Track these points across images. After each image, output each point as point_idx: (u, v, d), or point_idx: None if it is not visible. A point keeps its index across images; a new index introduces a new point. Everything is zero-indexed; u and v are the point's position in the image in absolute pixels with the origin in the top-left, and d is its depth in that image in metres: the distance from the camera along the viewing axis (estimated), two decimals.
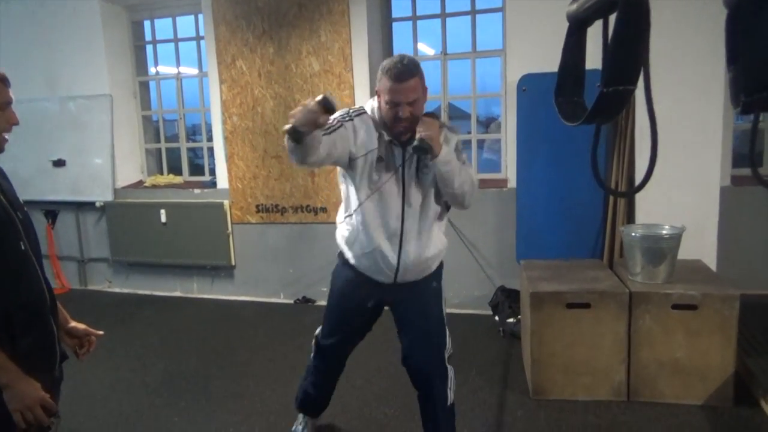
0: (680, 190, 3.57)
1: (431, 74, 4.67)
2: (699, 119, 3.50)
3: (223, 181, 4.87)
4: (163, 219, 4.97)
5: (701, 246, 3.49)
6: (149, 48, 5.34)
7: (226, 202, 4.83)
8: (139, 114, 5.35)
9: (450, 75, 4.51)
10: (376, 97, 2.13)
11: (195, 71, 5.12)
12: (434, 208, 2.18)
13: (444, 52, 4.48)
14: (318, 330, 2.57)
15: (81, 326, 1.73)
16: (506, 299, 4.06)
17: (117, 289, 5.29)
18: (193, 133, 7.40)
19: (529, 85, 3.90)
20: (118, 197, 5.14)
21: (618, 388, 2.94)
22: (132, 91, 5.30)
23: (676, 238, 2.97)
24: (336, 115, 2.01)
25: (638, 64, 1.16)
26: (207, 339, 4.05)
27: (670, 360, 2.87)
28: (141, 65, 5.35)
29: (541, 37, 3.95)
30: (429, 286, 2.30)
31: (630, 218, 3.79)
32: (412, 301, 2.28)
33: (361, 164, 2.09)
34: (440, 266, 2.35)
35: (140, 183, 5.32)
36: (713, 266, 3.41)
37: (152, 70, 5.40)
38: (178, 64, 5.18)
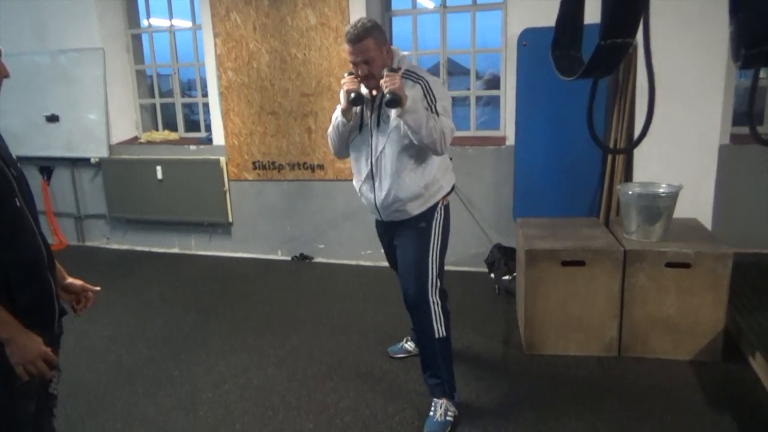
0: (679, 148, 3.55)
1: (430, 28, 4.61)
2: (700, 76, 3.45)
3: (219, 137, 4.82)
4: (160, 176, 4.95)
5: (697, 205, 3.49)
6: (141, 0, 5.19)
7: (223, 159, 4.80)
8: (133, 68, 5.25)
9: (449, 30, 4.41)
10: None
11: (188, 24, 5.00)
12: (400, 153, 2.36)
13: (444, 5, 4.37)
14: None
15: (78, 282, 1.74)
16: (502, 257, 4.08)
17: (115, 246, 5.32)
18: (188, 88, 7.29)
19: (530, 39, 3.83)
20: (113, 153, 5.10)
21: (609, 344, 3.00)
22: (124, 44, 5.19)
23: (672, 197, 2.97)
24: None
25: (637, 16, 1.12)
26: (205, 295, 4.10)
27: (662, 317, 2.91)
28: (133, 17, 5.22)
29: None
30: (416, 226, 2.48)
31: (627, 176, 3.78)
32: (400, 239, 2.54)
33: (355, 117, 2.44)
34: (432, 209, 2.49)
35: (135, 139, 5.28)
36: (708, 225, 3.42)
37: (144, 22, 5.27)
38: (170, 16, 5.05)
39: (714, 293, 2.83)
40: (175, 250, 5.17)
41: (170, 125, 5.43)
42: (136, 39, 5.27)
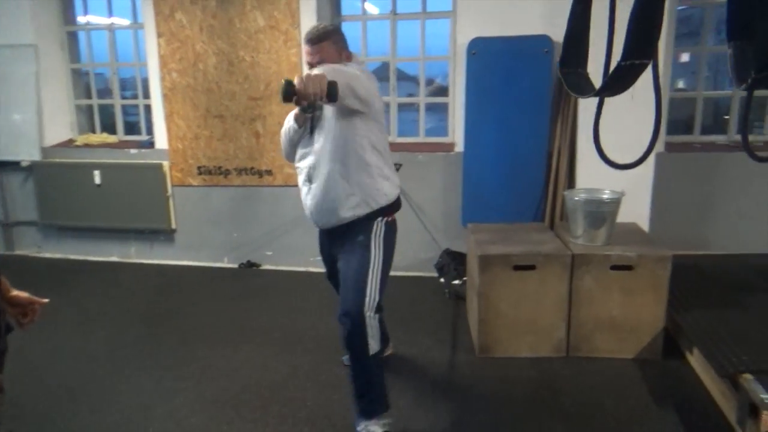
0: (618, 156, 3.70)
1: (380, 35, 4.63)
2: (639, 87, 3.61)
3: (161, 141, 4.66)
4: (98, 180, 4.73)
5: (635, 210, 3.66)
6: None
7: (166, 164, 4.64)
8: (68, 67, 5.00)
9: (398, 37, 4.45)
10: None
11: (128, 22, 4.81)
12: (328, 154, 2.35)
13: (393, 12, 4.41)
14: None
15: (23, 294, 1.64)
16: (452, 261, 4.15)
17: (47, 255, 5.03)
18: (122, 88, 6.99)
19: (478, 48, 3.91)
20: (46, 156, 4.84)
21: (558, 345, 3.10)
22: (59, 42, 4.93)
23: (616, 203, 3.11)
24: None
25: (654, 41, 1.19)
26: (149, 305, 3.94)
27: (607, 317, 3.04)
28: (69, 14, 4.97)
29: (492, 0, 3.96)
30: (355, 240, 2.43)
31: (570, 182, 3.93)
32: (341, 250, 2.50)
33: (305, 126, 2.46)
34: (369, 220, 2.42)
35: (70, 142, 5.02)
36: (646, 229, 3.60)
37: (81, 19, 5.02)
38: (110, 14, 4.84)
39: (655, 294, 2.98)
40: (114, 259, 4.94)
41: (107, 127, 5.20)
42: (72, 37, 5.02)
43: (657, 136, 1.37)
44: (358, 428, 2.38)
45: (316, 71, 2.07)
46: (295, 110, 2.38)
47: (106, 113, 5.24)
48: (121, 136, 5.08)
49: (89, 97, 5.15)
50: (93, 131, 5.15)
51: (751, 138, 4.20)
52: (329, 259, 2.70)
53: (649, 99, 3.65)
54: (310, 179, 2.43)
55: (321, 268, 4.53)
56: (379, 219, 2.45)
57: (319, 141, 2.38)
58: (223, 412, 2.64)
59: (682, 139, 4.33)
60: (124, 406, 2.71)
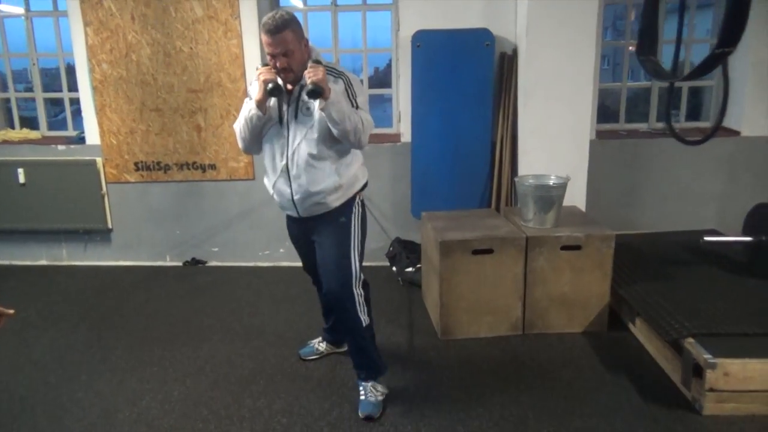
0: (556, 143, 3.93)
1: (321, 27, 4.62)
2: (573, 78, 3.85)
3: (93, 136, 4.41)
4: (21, 179, 4.41)
5: (573, 193, 3.90)
6: None
7: (99, 160, 4.40)
8: None
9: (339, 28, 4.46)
10: None
11: (45, 11, 4.49)
12: (319, 146, 2.36)
13: (334, 4, 4.40)
14: None
15: None
16: (403, 250, 4.23)
17: None
18: (16, 81, 6.51)
19: (423, 41, 4.00)
20: None
21: (515, 323, 3.27)
22: None
23: (562, 187, 3.31)
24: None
25: (743, 30, 1.32)
26: (92, 308, 3.75)
27: (559, 295, 3.24)
28: None
29: None
30: (335, 220, 2.49)
31: (513, 169, 4.12)
32: (320, 236, 2.52)
33: (269, 114, 2.40)
34: (350, 203, 2.53)
35: None
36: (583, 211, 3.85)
37: None
38: (27, 2, 4.50)
39: (600, 271, 3.21)
40: (43, 262, 4.64)
41: (26, 123, 4.85)
42: None
43: (723, 117, 1.53)
44: (363, 389, 2.58)
45: (361, 109, 2.37)
46: (256, 97, 2.31)
47: (22, 108, 4.89)
48: (44, 131, 4.76)
49: (5, 90, 4.77)
50: (11, 127, 4.78)
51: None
52: (306, 247, 2.68)
53: (584, 94, 3.92)
54: (289, 170, 2.40)
55: (270, 262, 4.54)
56: (357, 199, 2.56)
57: (301, 131, 2.36)
58: (196, 410, 2.59)
59: (610, 127, 4.64)
60: (86, 413, 2.59)
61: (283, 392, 2.73)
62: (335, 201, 2.46)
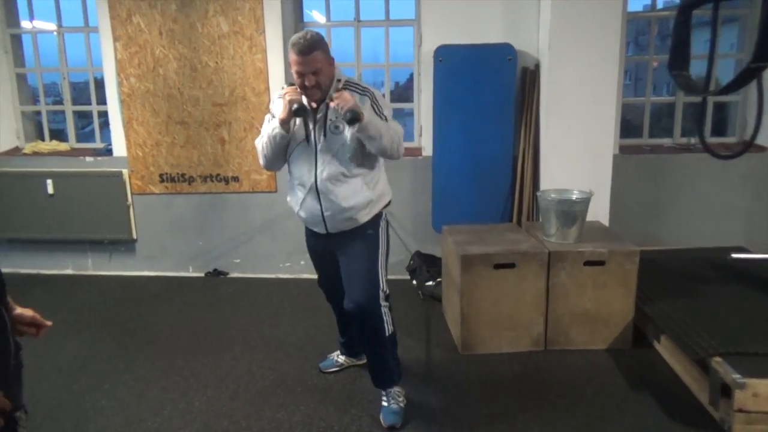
0: (579, 158, 3.91)
1: (344, 41, 4.67)
2: (596, 94, 3.84)
3: (120, 148, 4.50)
4: (50, 190, 4.51)
5: (596, 208, 3.87)
6: None
7: (125, 171, 4.49)
8: (12, 71, 4.74)
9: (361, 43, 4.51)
10: None
11: (77, 27, 4.61)
12: (348, 163, 2.39)
13: (357, 19, 4.46)
14: None
15: (28, 313, 1.55)
16: (423, 263, 4.23)
17: None
18: (47, 94, 6.67)
19: (444, 55, 4.03)
20: None
21: (537, 339, 3.23)
22: (1, 45, 4.68)
23: (586, 202, 3.28)
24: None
25: None
26: (116, 317, 3.80)
27: (581, 311, 3.20)
28: (12, 17, 4.72)
29: (456, 9, 4.10)
30: (364, 234, 2.51)
31: (535, 183, 4.10)
32: (347, 248, 2.52)
33: (293, 132, 2.42)
34: (378, 216, 2.55)
35: (17, 150, 4.76)
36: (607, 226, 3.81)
37: (26, 24, 4.78)
38: (59, 19, 4.63)
39: (624, 287, 3.17)
40: (69, 271, 4.72)
41: (56, 135, 4.97)
42: (16, 40, 4.77)
43: (758, 131, 1.52)
44: (386, 396, 2.61)
45: (391, 121, 2.39)
46: (281, 116, 2.33)
47: (53, 120, 5.00)
48: (72, 143, 4.87)
49: (35, 103, 4.90)
50: (41, 139, 4.90)
51: (693, 140, 4.54)
52: (325, 261, 2.68)
53: (606, 109, 3.91)
54: (318, 188, 2.41)
55: (291, 274, 4.56)
56: (383, 212, 2.59)
57: (330, 150, 2.38)
58: (217, 421, 2.60)
59: (633, 141, 4.60)
60: (109, 421, 2.62)
61: (303, 404, 2.73)
62: (365, 216, 2.48)
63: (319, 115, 2.38)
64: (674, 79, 1.77)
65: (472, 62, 4.02)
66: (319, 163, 2.40)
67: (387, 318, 2.55)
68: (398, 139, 2.37)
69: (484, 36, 4.05)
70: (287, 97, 2.32)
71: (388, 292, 2.57)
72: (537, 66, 4.05)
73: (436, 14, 4.13)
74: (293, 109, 2.29)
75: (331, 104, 2.28)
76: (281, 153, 2.48)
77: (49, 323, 1.58)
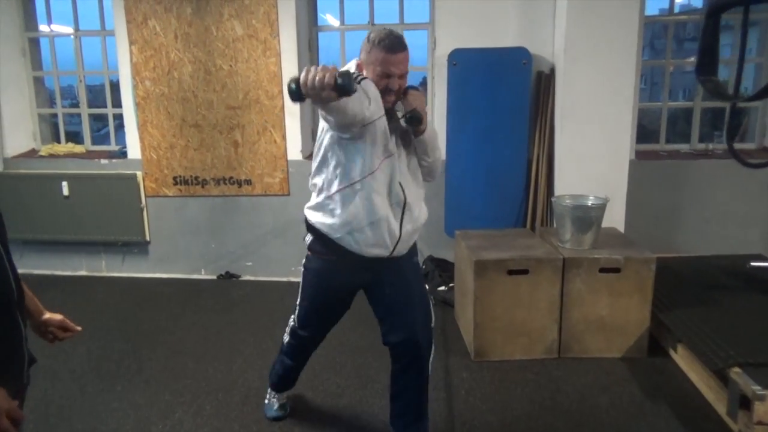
0: (594, 163, 3.87)
1: (358, 45, 4.67)
2: (612, 99, 3.80)
3: (134, 151, 4.53)
4: (65, 192, 4.55)
5: (611, 215, 3.82)
6: (39, 1, 4.75)
7: (139, 174, 4.51)
8: (30, 74, 4.79)
9: None
10: (356, 70, 2.06)
11: (93, 30, 4.66)
12: (416, 177, 2.17)
13: (371, 23, 4.46)
14: (292, 319, 2.48)
15: (57, 317, 1.54)
16: (436, 268, 4.20)
17: None
18: (63, 97, 6.75)
19: (459, 59, 4.00)
20: (8, 168, 4.63)
21: (551, 346, 3.19)
22: (20, 48, 4.73)
23: (601, 208, 3.24)
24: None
25: None
26: (129, 319, 3.81)
27: (596, 318, 3.15)
28: (30, 21, 4.77)
29: (470, 12, 4.08)
30: (411, 261, 2.29)
31: (549, 189, 4.06)
32: (396, 275, 2.22)
33: (372, 130, 1.98)
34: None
35: (34, 152, 4.81)
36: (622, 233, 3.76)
37: (44, 28, 4.83)
38: (76, 23, 4.68)
39: (640, 294, 3.12)
40: (83, 273, 4.75)
41: (72, 137, 5.02)
42: (34, 44, 4.82)
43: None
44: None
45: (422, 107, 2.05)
46: (326, 92, 1.64)
47: (69, 123, 5.05)
48: (88, 146, 4.91)
49: (52, 105, 4.95)
50: (57, 141, 4.95)
51: (711, 146, 4.48)
52: (342, 302, 2.34)
53: (623, 115, 3.86)
54: (404, 204, 2.10)
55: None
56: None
57: (406, 161, 2.11)
58: (227, 425, 2.59)
59: (649, 147, 4.55)
60: (121, 423, 2.62)
61: (314, 410, 2.71)
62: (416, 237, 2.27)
63: (394, 124, 2.08)
64: (702, 84, 1.73)
65: (486, 66, 4.00)
66: (401, 174, 2.09)
67: (432, 357, 2.31)
68: (440, 158, 2.23)
69: (499, 40, 4.02)
70: (321, 73, 1.61)
71: (434, 325, 2.34)
72: (552, 70, 4.02)
73: (450, 18, 4.12)
74: (338, 83, 1.60)
75: (409, 99, 2.03)
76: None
77: (78, 328, 1.57)
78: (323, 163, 2.12)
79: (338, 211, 2.09)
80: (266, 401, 2.69)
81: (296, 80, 1.65)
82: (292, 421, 2.62)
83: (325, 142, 2.08)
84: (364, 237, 2.09)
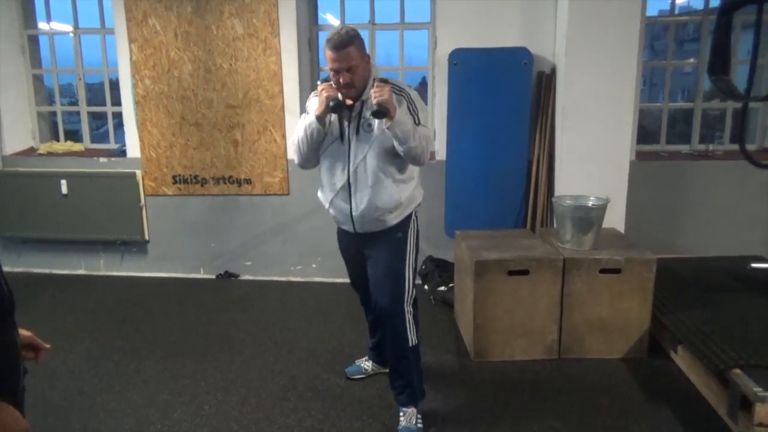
0: (595, 164, 3.86)
1: None
2: (613, 99, 3.79)
3: (134, 149, 4.51)
4: (64, 190, 4.53)
5: (612, 215, 3.82)
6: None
7: (139, 172, 4.50)
8: (29, 72, 4.77)
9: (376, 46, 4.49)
10: None
11: (92, 28, 4.64)
12: (380, 163, 2.35)
13: (372, 22, 4.44)
14: None
15: (26, 333, 1.46)
16: (435, 268, 4.19)
17: (7, 269, 4.71)
18: (62, 95, 6.73)
19: (460, 59, 3.99)
20: (6, 165, 4.61)
21: (551, 347, 3.18)
22: (19, 46, 4.71)
23: (602, 208, 3.23)
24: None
25: None
26: (127, 318, 3.80)
27: (597, 319, 3.15)
28: (29, 18, 4.75)
29: (471, 12, 4.07)
30: (392, 236, 2.47)
31: (550, 189, 4.05)
32: (374, 250, 2.49)
33: (328, 129, 2.39)
34: (408, 218, 2.50)
35: (32, 150, 4.80)
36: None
37: (43, 26, 4.82)
38: (75, 20, 4.66)
39: (641, 295, 3.12)
40: (81, 272, 4.74)
41: (70, 135, 5.00)
42: (33, 41, 4.80)
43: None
44: (404, 415, 2.52)
45: (423, 126, 2.34)
46: (317, 111, 2.31)
47: (68, 121, 5.03)
48: (87, 144, 4.89)
49: (49, 103, 4.93)
50: (56, 139, 4.93)
51: (711, 147, 4.47)
52: (357, 261, 2.64)
53: (623, 115, 3.86)
54: (350, 186, 2.39)
55: (302, 277, 4.54)
56: (413, 215, 2.54)
57: (362, 148, 2.35)
58: (227, 425, 2.58)
59: (650, 148, 4.54)
60: (119, 423, 2.60)
61: (313, 409, 2.70)
62: (393, 219, 2.44)
63: (353, 113, 2.34)
64: (714, 83, 1.72)
65: (487, 66, 3.99)
66: (351, 162, 2.37)
67: (411, 326, 2.49)
68: (425, 145, 2.31)
69: (500, 39, 4.01)
70: (324, 93, 2.28)
71: (414, 296, 2.53)
72: (553, 70, 4.01)
73: (451, 17, 4.10)
74: (330, 105, 2.25)
75: (372, 93, 2.22)
76: (316, 150, 2.44)
77: (47, 346, 1.51)
78: None
79: (319, 192, 2.57)
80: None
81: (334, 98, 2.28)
82: (292, 421, 2.61)
83: None
84: (333, 214, 2.53)
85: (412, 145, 2.26)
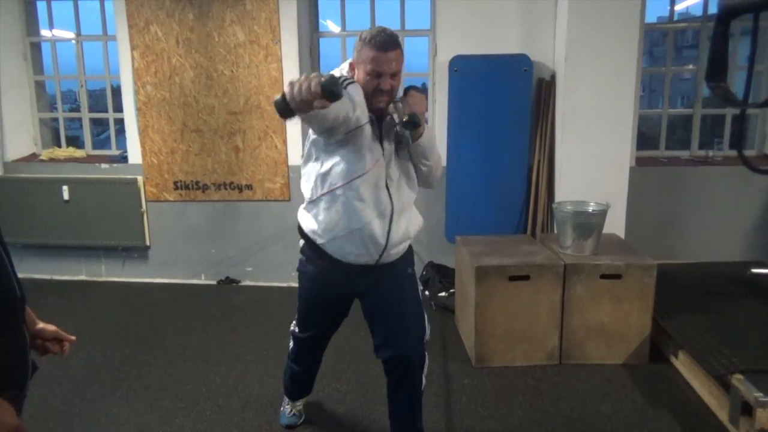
0: (595, 170, 3.87)
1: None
2: (613, 105, 3.81)
3: (135, 155, 4.52)
4: (66, 196, 4.54)
5: (612, 221, 3.83)
6: (41, 6, 4.77)
7: (140, 179, 4.51)
8: (31, 78, 4.80)
9: None
10: (348, 71, 2.03)
11: (94, 35, 4.67)
12: (412, 183, 2.12)
13: None
14: (293, 324, 2.46)
15: (50, 328, 1.47)
16: (436, 274, 4.20)
17: None
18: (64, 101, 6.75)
19: (460, 66, 4.01)
20: (8, 172, 4.62)
21: (552, 353, 3.19)
22: (21, 53, 4.74)
23: (602, 214, 3.24)
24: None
25: None
26: (129, 324, 3.80)
27: (597, 325, 3.15)
28: (32, 25, 4.78)
29: (471, 19, 4.09)
30: (404, 272, 2.21)
31: (550, 195, 4.06)
32: (389, 287, 2.16)
33: (359, 135, 1.94)
34: (411, 249, 2.27)
35: (34, 156, 4.81)
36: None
37: (46, 33, 4.84)
38: (78, 27, 4.69)
39: (641, 301, 3.12)
40: (83, 277, 4.74)
41: (72, 142, 5.02)
42: (36, 48, 4.83)
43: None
44: None
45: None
46: (305, 98, 1.60)
47: (69, 127, 5.05)
48: (89, 150, 4.91)
49: (51, 110, 4.95)
50: (58, 145, 4.95)
51: (711, 153, 4.49)
52: (336, 308, 2.29)
53: (623, 121, 3.87)
54: (392, 212, 2.02)
55: None
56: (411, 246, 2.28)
57: (399, 168, 2.05)
58: (228, 430, 2.59)
59: (649, 154, 4.56)
60: (121, 429, 2.61)
61: (314, 416, 2.70)
62: (405, 246, 2.19)
63: (388, 129, 2.03)
64: (712, 90, 1.73)
65: (487, 73, 4.01)
66: (389, 182, 2.02)
67: (426, 370, 2.26)
68: (439, 165, 2.16)
69: (500, 46, 4.04)
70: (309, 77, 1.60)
71: (429, 338, 2.29)
72: (553, 77, 4.03)
73: (451, 24, 4.13)
74: (323, 82, 1.55)
75: (408, 100, 1.96)
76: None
77: (72, 338, 1.52)
78: (309, 167, 2.09)
79: (321, 217, 2.05)
80: (281, 408, 2.68)
81: (282, 95, 1.62)
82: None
83: (311, 146, 2.05)
84: (347, 244, 2.04)
85: (435, 161, 2.10)
